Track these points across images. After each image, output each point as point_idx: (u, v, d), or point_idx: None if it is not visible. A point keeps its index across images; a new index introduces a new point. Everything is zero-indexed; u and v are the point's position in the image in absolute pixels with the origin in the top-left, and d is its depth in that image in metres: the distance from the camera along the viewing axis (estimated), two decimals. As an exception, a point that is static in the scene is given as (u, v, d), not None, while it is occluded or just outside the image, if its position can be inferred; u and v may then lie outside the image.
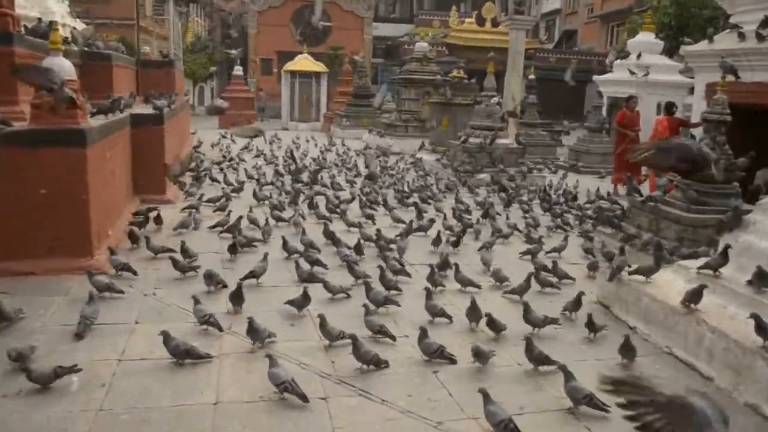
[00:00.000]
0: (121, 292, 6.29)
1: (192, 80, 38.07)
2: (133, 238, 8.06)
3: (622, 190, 13.69)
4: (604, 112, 19.08)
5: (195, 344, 5.20)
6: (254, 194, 11.12)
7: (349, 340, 5.00)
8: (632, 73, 17.85)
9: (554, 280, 7.29)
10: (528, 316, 5.82)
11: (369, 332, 5.56)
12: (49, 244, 6.80)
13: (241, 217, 9.15)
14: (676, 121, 12.40)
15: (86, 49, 11.10)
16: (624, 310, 6.24)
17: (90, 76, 10.54)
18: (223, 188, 11.84)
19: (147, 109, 11.11)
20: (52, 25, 7.43)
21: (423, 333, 5.15)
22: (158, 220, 9.02)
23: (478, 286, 6.97)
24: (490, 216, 10.21)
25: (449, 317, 6.05)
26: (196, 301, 5.73)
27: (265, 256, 7.18)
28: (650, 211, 8.28)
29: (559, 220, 10.34)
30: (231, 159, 15.62)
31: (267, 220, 9.33)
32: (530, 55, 24.11)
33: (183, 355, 4.93)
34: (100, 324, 5.61)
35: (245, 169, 14.20)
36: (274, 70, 38.00)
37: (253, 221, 9.35)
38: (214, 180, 12.81)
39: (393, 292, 6.64)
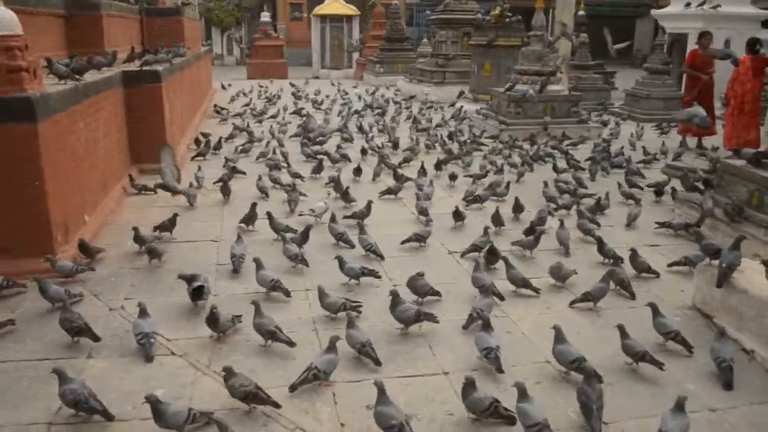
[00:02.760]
0: None
1: (220, 29, 36.42)
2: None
3: (691, 142, 11.89)
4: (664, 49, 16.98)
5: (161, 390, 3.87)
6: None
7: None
8: (700, 5, 15.71)
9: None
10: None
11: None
12: (-1, 242, 5.52)
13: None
14: (761, 60, 10.38)
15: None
16: (736, 324, 4.63)
17: (76, 29, 9.10)
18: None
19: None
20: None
21: (470, 384, 3.59)
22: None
23: (536, 290, 5.40)
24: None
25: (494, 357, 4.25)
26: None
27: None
28: (750, 179, 6.53)
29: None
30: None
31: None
32: (578, -11, 21.81)
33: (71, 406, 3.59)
34: (42, 359, 4.26)
35: None
36: (304, 14, 36.00)
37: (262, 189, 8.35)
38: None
39: (429, 298, 5.20)
